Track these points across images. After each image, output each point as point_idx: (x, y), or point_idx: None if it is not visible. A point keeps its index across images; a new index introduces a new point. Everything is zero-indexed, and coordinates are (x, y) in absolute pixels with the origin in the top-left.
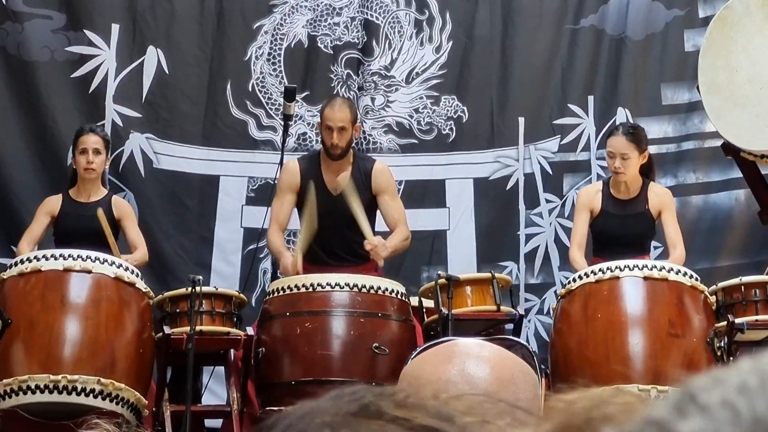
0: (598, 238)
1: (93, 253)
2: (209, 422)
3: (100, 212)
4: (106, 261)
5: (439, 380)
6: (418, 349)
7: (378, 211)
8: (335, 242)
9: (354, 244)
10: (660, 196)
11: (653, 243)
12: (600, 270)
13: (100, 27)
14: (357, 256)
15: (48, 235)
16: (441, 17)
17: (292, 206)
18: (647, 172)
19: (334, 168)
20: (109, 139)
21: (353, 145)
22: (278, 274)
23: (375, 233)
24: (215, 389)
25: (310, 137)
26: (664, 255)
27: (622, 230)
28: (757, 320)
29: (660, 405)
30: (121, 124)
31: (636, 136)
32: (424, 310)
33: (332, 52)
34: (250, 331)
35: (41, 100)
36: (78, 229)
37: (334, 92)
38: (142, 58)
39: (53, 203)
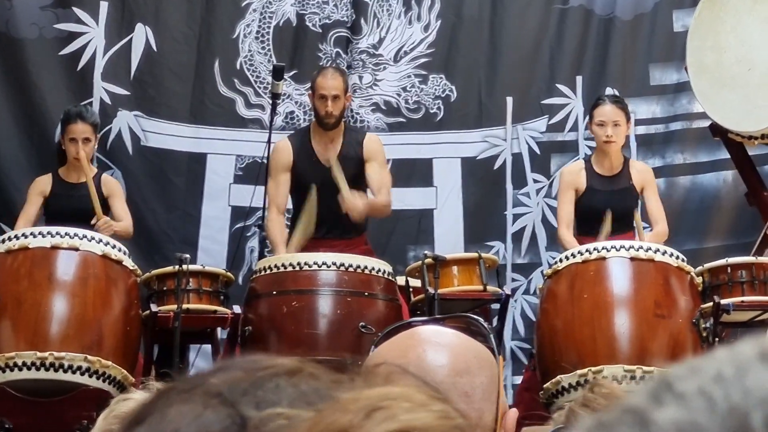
0: (584, 216)
1: (80, 231)
2: None
3: (90, 185)
4: (94, 239)
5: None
6: (379, 336)
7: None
8: (326, 214)
9: (344, 216)
10: (642, 173)
11: (643, 223)
12: (587, 250)
13: (88, 4)
14: (347, 228)
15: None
16: None
17: (288, 186)
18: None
19: (325, 140)
20: (98, 122)
21: (344, 118)
22: (265, 253)
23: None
24: (202, 367)
25: (297, 116)
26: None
27: (609, 206)
28: (743, 301)
29: (637, 393)
30: (109, 102)
31: (622, 104)
32: (411, 289)
33: (321, 31)
34: (237, 309)
35: (30, 77)
36: (69, 209)
37: None
38: (131, 36)
39: (44, 183)
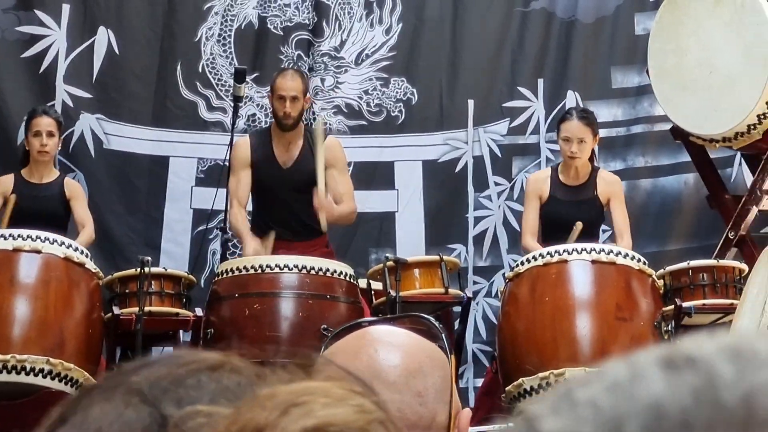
0: (548, 224)
1: (43, 233)
2: None
3: None
4: (56, 241)
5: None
6: (330, 335)
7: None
8: (286, 216)
9: (304, 217)
10: (609, 184)
11: (602, 227)
12: (548, 253)
13: (50, 7)
14: (307, 230)
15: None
16: None
17: (248, 182)
18: (591, 157)
19: (284, 141)
20: (62, 120)
21: (303, 120)
22: (227, 256)
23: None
24: None
25: (259, 118)
26: (612, 239)
27: (571, 216)
28: (704, 304)
29: (542, 400)
30: (72, 105)
31: (590, 120)
32: (373, 292)
33: (282, 34)
34: (199, 311)
35: None
36: (31, 211)
37: None
38: (93, 39)
39: (6, 184)
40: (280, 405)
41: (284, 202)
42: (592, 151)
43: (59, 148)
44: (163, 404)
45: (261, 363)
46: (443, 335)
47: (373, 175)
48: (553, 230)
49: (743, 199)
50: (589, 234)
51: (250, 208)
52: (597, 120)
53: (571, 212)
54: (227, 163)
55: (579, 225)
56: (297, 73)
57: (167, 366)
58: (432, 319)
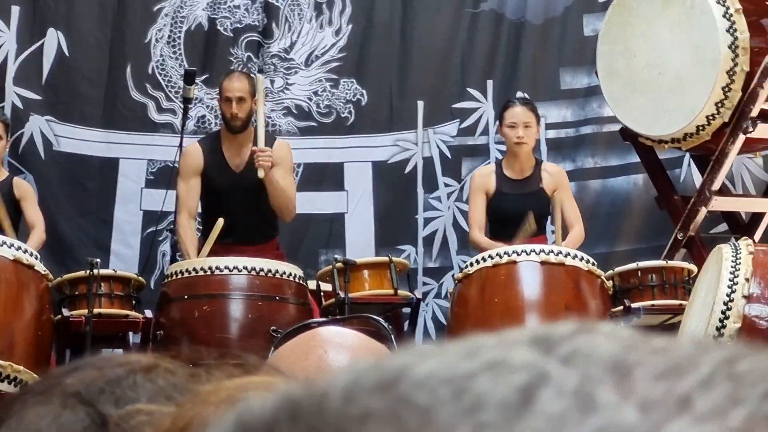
0: (495, 219)
1: None
2: None
3: None
4: (5, 243)
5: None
6: (280, 336)
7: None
8: (236, 219)
9: (255, 221)
10: (554, 175)
11: (549, 226)
12: (497, 254)
13: None
14: (258, 234)
15: None
16: (341, 0)
17: (198, 189)
18: (535, 151)
19: (235, 145)
20: (9, 122)
21: (252, 122)
22: (177, 257)
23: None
24: None
25: (209, 120)
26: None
27: (518, 209)
28: (653, 305)
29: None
30: (21, 107)
31: (532, 105)
32: (322, 293)
33: (232, 35)
34: (149, 313)
35: None
36: None
37: None
38: (42, 41)
39: None
40: (225, 400)
41: (236, 206)
42: (537, 144)
43: (8, 150)
44: (101, 404)
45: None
46: (392, 336)
47: (323, 177)
48: (501, 225)
49: (692, 199)
50: (537, 227)
51: (200, 209)
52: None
53: (518, 205)
54: (177, 166)
55: (531, 216)
56: (243, 75)
57: (100, 368)
58: (381, 321)
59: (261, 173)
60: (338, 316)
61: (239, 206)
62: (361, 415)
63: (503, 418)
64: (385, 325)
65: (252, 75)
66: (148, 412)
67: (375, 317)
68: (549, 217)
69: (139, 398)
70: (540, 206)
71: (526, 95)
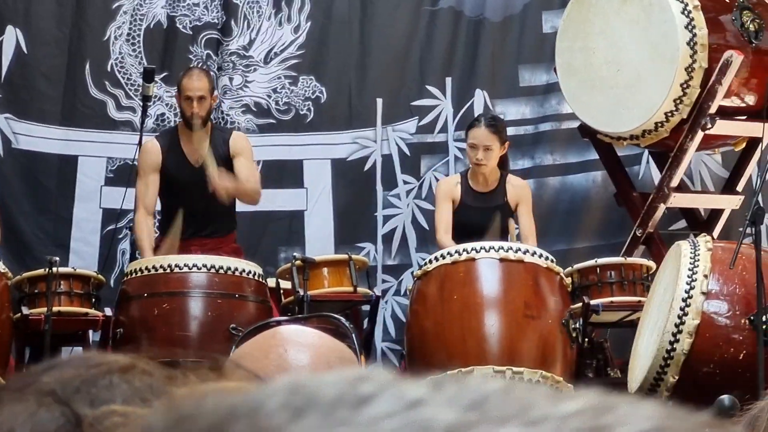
0: (459, 230)
1: None
2: None
3: None
4: None
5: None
6: (240, 335)
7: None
8: (195, 214)
9: (214, 215)
10: (518, 188)
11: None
12: (456, 252)
13: None
14: (217, 228)
15: None
16: None
17: (157, 186)
18: (502, 164)
19: (193, 140)
20: None
21: (212, 119)
22: (137, 255)
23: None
24: None
25: (168, 118)
26: None
27: (482, 222)
28: (612, 302)
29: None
30: None
31: (497, 128)
32: (282, 291)
33: (191, 33)
34: (109, 311)
35: None
36: None
37: None
38: (1, 38)
39: None
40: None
41: (195, 201)
42: (506, 156)
43: None
44: (76, 404)
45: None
46: (352, 334)
47: (282, 174)
48: (464, 236)
49: (651, 196)
50: (504, 239)
51: (159, 206)
52: (505, 128)
53: (482, 219)
54: (136, 163)
55: (497, 219)
56: (203, 73)
57: (77, 367)
58: (341, 319)
59: (224, 199)
60: (298, 315)
61: (198, 200)
62: None
63: None
64: (345, 323)
65: (212, 72)
66: (123, 414)
67: (335, 316)
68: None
69: (115, 399)
70: (502, 219)
71: (486, 94)
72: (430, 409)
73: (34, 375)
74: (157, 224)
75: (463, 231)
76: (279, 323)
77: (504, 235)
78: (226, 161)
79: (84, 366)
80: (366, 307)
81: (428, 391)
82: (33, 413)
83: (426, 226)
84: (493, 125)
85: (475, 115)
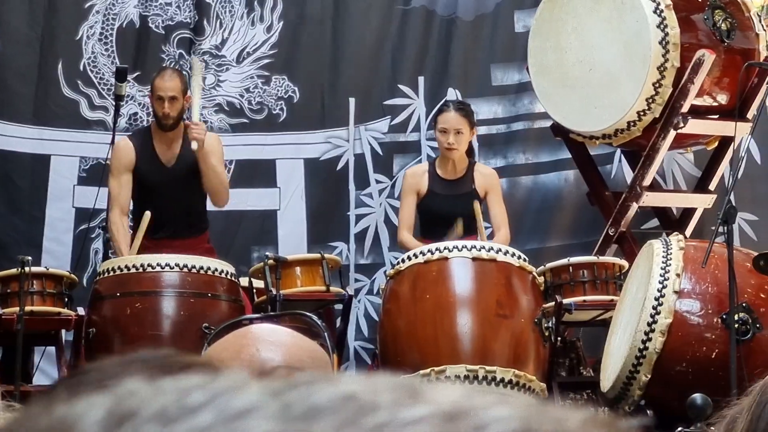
0: (426, 219)
1: None
2: None
3: None
4: None
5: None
6: (212, 333)
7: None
8: (168, 214)
9: (186, 215)
10: (486, 177)
11: (485, 224)
12: (429, 251)
13: None
14: (189, 228)
15: None
16: None
17: (130, 186)
18: (470, 152)
19: (165, 140)
20: None
21: (184, 118)
22: (109, 255)
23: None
24: (46, 369)
25: (141, 117)
26: (492, 236)
27: (449, 210)
28: (584, 301)
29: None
30: None
31: (467, 111)
32: (255, 290)
33: (164, 32)
34: (81, 311)
35: None
36: None
37: None
38: None
39: None
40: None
41: (167, 201)
42: (471, 145)
43: None
44: None
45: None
46: (325, 333)
47: (255, 173)
48: (432, 225)
49: (623, 195)
50: (470, 228)
51: (132, 206)
52: (474, 112)
53: (449, 206)
54: (108, 163)
55: (459, 222)
56: (175, 73)
57: (164, 356)
58: (314, 317)
59: (194, 145)
60: (270, 313)
61: (170, 200)
62: None
63: None
64: (318, 321)
65: (185, 72)
66: None
67: (307, 314)
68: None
69: None
70: (471, 207)
71: (459, 92)
72: (253, 422)
73: (111, 368)
74: (131, 224)
75: (432, 219)
76: (251, 321)
77: (473, 220)
78: (196, 163)
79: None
80: (339, 307)
81: (261, 400)
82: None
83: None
84: (462, 109)
85: None
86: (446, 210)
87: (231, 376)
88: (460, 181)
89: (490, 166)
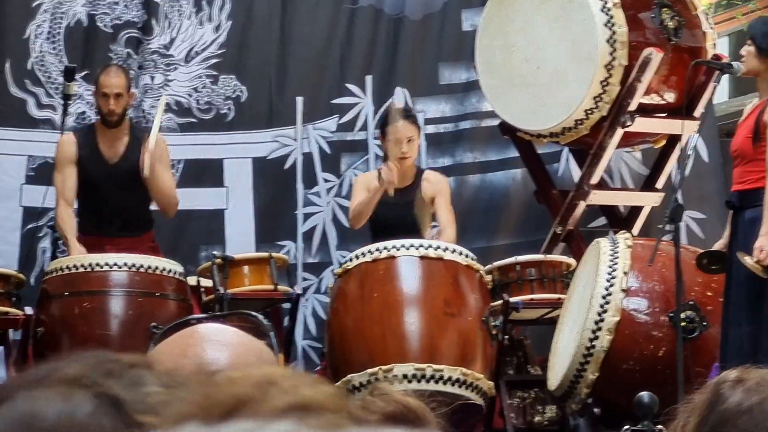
0: (376, 227)
1: None
2: None
3: None
4: None
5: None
6: (159, 333)
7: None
8: (111, 211)
9: (130, 212)
10: (433, 183)
11: (434, 223)
12: (377, 249)
13: None
14: (132, 225)
15: None
16: None
17: (74, 178)
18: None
19: (110, 137)
20: None
21: (128, 115)
22: (57, 254)
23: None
24: None
25: (89, 116)
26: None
27: (396, 218)
28: (532, 299)
29: None
30: None
31: (414, 118)
32: (203, 289)
33: (112, 31)
34: (29, 310)
35: None
36: None
37: None
38: None
39: None
40: (258, 383)
41: (111, 198)
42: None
43: None
44: (110, 387)
45: None
46: (271, 333)
47: (203, 173)
48: (380, 233)
49: (571, 194)
50: (417, 236)
51: (76, 205)
52: (416, 115)
53: (396, 214)
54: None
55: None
56: (120, 70)
57: (96, 359)
58: (260, 317)
59: (146, 172)
60: (217, 313)
61: (113, 197)
62: None
63: None
64: (264, 321)
65: (132, 70)
66: (167, 393)
67: (253, 314)
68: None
69: (148, 384)
70: (417, 214)
71: (407, 91)
72: None
73: (51, 368)
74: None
75: (381, 227)
76: (199, 321)
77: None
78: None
79: (103, 358)
80: (287, 305)
81: None
82: (65, 396)
83: (346, 224)
84: (409, 116)
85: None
86: (394, 218)
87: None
88: (408, 189)
89: (438, 166)
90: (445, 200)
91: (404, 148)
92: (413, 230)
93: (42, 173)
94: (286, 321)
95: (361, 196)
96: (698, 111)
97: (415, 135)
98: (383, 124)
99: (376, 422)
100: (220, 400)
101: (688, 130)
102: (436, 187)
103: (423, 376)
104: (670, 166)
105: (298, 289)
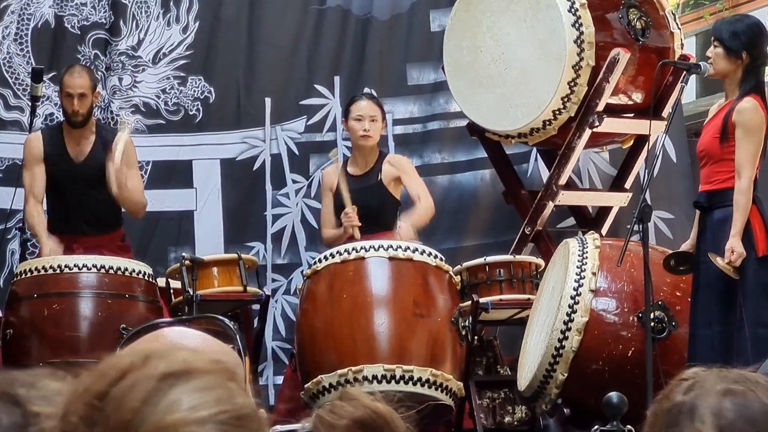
0: (338, 215)
1: None
2: None
3: None
4: None
5: None
6: (126, 336)
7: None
8: (78, 210)
9: (97, 211)
10: (395, 164)
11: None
12: (345, 251)
13: None
14: (100, 224)
15: None
16: None
17: (43, 175)
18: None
19: (75, 136)
20: None
21: (95, 115)
22: (26, 255)
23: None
24: None
25: (57, 117)
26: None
27: (360, 203)
28: (501, 299)
29: None
30: None
31: (378, 101)
32: (172, 290)
33: (79, 33)
34: None
35: None
36: None
37: None
38: None
39: None
40: (139, 353)
41: (78, 197)
42: (385, 141)
43: None
44: (11, 387)
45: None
46: (238, 336)
47: (171, 174)
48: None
49: (539, 194)
50: (383, 223)
51: (45, 203)
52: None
53: (356, 200)
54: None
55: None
56: (84, 69)
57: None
58: (226, 321)
59: (115, 190)
60: (184, 316)
61: (80, 196)
62: None
63: None
64: (231, 325)
65: (100, 72)
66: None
67: (220, 317)
68: (398, 212)
69: (44, 382)
70: (379, 199)
71: (374, 92)
72: None
73: None
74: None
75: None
76: (167, 324)
77: (380, 215)
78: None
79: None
80: (256, 307)
81: None
82: None
83: (315, 225)
84: (374, 98)
85: None
86: (354, 203)
87: None
88: (367, 174)
89: (402, 157)
90: (411, 175)
91: (366, 125)
92: (375, 217)
93: (10, 175)
94: (255, 322)
95: (327, 201)
96: (666, 111)
97: (378, 116)
98: (348, 105)
99: (344, 427)
100: (106, 373)
101: (655, 130)
102: (398, 166)
103: (392, 377)
104: (638, 166)
105: (267, 291)
